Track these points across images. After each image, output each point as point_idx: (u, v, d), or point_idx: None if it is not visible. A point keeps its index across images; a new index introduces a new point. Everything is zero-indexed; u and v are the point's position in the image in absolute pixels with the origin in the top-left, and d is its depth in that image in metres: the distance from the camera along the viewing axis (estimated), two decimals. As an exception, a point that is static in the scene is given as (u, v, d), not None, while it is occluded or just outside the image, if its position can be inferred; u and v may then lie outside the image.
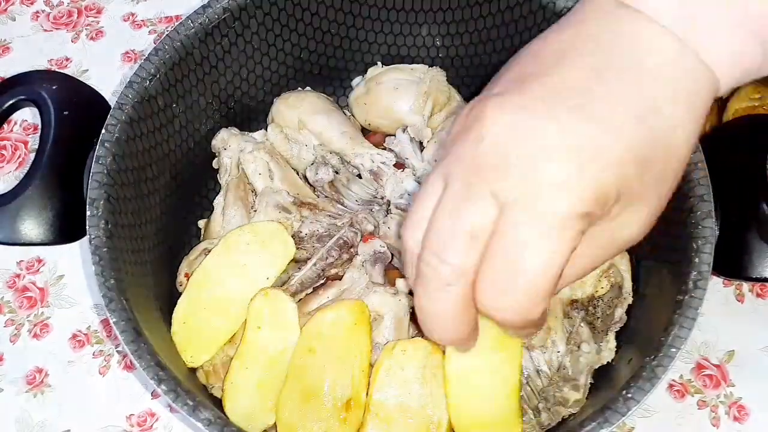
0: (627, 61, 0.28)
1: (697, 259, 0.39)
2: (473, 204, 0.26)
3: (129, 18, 0.68)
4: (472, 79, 0.56)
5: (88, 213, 0.41)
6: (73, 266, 0.56)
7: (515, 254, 0.26)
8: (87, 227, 0.41)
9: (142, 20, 0.67)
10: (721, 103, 0.55)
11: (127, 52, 0.66)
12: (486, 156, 0.26)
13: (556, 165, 0.26)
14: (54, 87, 0.45)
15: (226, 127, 0.53)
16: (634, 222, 0.29)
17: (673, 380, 0.51)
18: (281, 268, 0.47)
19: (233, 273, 0.46)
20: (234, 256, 0.46)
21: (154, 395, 0.52)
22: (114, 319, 0.38)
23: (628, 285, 0.47)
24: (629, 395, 0.36)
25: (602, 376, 0.46)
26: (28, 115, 0.63)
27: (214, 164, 0.53)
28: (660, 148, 0.28)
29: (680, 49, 0.28)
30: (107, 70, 0.64)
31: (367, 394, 0.44)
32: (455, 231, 0.26)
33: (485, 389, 0.42)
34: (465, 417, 0.42)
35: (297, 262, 0.49)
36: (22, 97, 0.44)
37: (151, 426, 0.51)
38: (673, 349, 0.37)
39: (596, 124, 0.26)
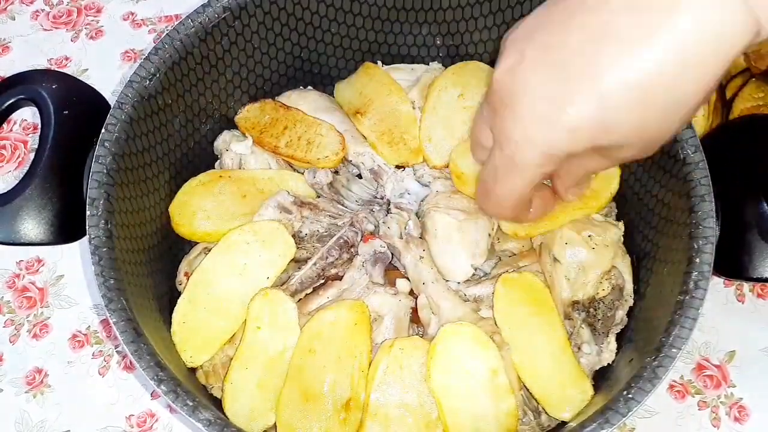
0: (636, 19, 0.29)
1: (698, 259, 0.39)
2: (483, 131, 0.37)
3: (129, 17, 0.68)
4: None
5: (87, 213, 0.41)
6: (72, 266, 0.56)
7: (489, 177, 0.37)
8: (87, 227, 0.40)
9: (141, 19, 0.67)
10: (725, 103, 0.55)
11: (126, 52, 0.66)
12: (493, 96, 0.34)
13: (527, 117, 0.32)
14: (54, 86, 0.45)
15: (228, 128, 0.53)
16: (623, 155, 0.34)
17: (674, 381, 0.51)
18: (281, 268, 0.47)
19: (233, 272, 0.46)
20: (234, 256, 0.46)
21: (154, 396, 0.51)
22: (114, 320, 0.38)
23: (629, 287, 0.47)
24: (630, 396, 0.36)
25: (602, 376, 0.46)
26: (28, 114, 0.63)
27: (217, 166, 0.53)
28: (657, 102, 0.30)
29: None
30: (107, 70, 0.64)
31: (365, 394, 0.44)
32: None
33: (541, 351, 0.44)
34: (538, 378, 0.44)
35: (297, 262, 0.49)
36: (22, 96, 0.44)
37: (151, 426, 0.50)
38: (674, 350, 0.37)
39: (576, 85, 0.30)
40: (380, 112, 0.53)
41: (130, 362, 0.53)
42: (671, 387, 0.51)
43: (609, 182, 0.49)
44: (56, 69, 0.64)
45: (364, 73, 0.55)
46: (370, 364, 0.45)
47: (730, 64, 0.29)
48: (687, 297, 0.38)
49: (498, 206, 0.38)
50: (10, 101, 0.44)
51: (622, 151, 0.33)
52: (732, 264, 0.43)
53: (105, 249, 0.40)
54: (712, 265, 0.39)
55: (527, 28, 0.33)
